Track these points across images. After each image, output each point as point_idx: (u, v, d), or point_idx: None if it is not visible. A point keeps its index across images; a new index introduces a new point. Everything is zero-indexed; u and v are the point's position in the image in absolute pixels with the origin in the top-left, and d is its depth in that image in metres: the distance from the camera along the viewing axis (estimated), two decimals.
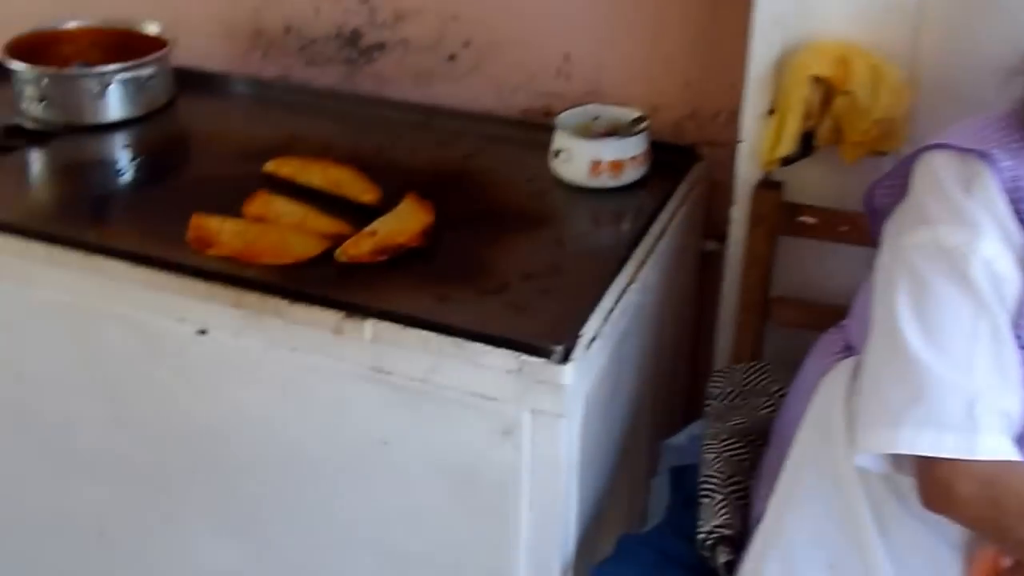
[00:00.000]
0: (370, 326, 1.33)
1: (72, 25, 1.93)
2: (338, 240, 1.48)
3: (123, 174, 1.71)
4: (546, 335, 1.30)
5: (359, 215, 1.54)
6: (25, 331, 1.55)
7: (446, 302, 1.38)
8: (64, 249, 1.47)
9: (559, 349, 1.28)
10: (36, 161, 1.74)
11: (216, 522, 1.56)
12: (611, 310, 1.38)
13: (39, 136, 1.77)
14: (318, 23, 1.92)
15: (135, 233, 1.51)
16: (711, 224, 1.77)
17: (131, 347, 1.48)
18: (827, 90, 1.46)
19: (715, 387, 1.55)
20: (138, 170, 1.71)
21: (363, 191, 1.61)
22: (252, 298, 1.38)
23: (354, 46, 1.92)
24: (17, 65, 1.77)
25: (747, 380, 1.54)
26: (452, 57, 1.87)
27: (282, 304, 1.37)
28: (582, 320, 1.33)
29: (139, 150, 1.76)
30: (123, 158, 1.75)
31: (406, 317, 1.33)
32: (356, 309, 1.35)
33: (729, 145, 1.73)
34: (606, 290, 1.39)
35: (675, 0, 1.70)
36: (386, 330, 1.33)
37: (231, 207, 1.55)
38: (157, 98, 1.84)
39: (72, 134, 1.79)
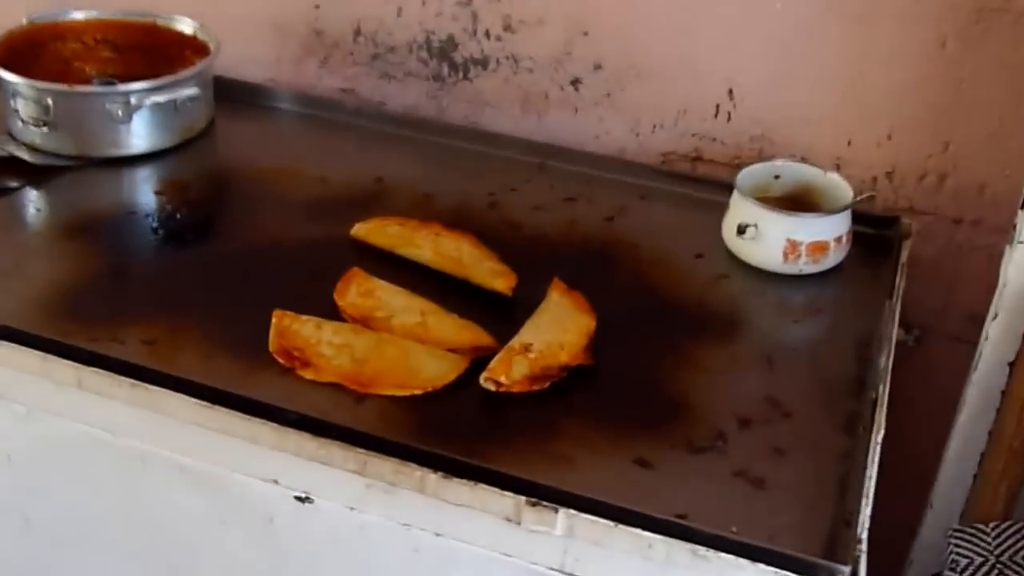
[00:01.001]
0: (563, 518, 0.93)
1: (77, 16, 1.46)
2: (476, 353, 1.08)
3: (159, 234, 1.27)
4: (816, 540, 0.93)
5: (488, 306, 1.17)
6: (42, 468, 1.13)
7: (650, 469, 1.00)
8: (95, 372, 1.04)
9: (846, 571, 0.89)
10: (37, 209, 1.30)
11: None
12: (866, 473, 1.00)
13: (40, 173, 1.32)
14: (400, 27, 1.50)
15: (192, 337, 1.09)
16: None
17: (198, 507, 1.07)
18: None
19: (961, 553, 1.18)
20: (179, 229, 1.28)
21: (493, 274, 1.20)
22: (384, 466, 0.97)
23: (446, 59, 1.50)
24: (10, 76, 1.31)
25: (1002, 547, 1.18)
26: (576, 82, 1.46)
27: (430, 477, 0.96)
28: (852, 508, 0.95)
29: (176, 197, 1.33)
30: (157, 208, 1.31)
31: (616, 509, 0.93)
32: (540, 491, 0.94)
33: (935, 214, 1.37)
34: (863, 450, 1.01)
35: (885, 34, 1.30)
36: (586, 525, 0.93)
37: (315, 290, 1.16)
38: (195, 122, 1.40)
39: (84, 170, 1.35)
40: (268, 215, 1.31)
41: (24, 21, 1.42)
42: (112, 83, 1.34)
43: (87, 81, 1.45)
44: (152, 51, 1.45)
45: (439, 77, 1.51)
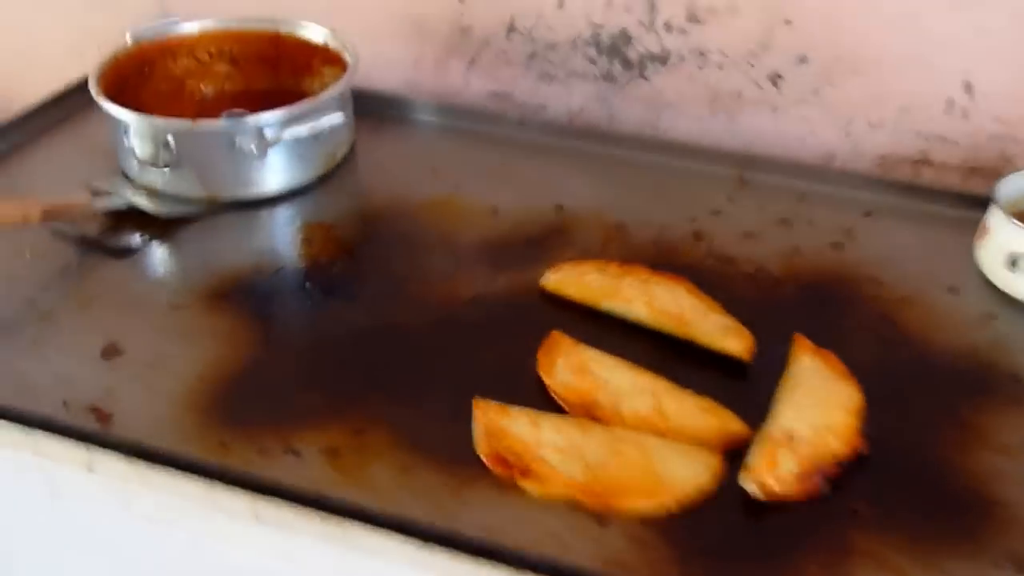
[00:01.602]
0: None
1: (187, 29, 1.25)
2: (724, 444, 0.88)
3: (314, 296, 1.06)
4: None
5: (717, 373, 0.96)
6: None
7: None
8: (272, 502, 0.84)
9: None
10: (169, 272, 1.09)
11: None
12: None
13: (164, 225, 1.12)
14: (562, 21, 1.28)
15: (380, 440, 0.90)
16: None
17: None
18: None
19: None
20: (336, 287, 1.08)
21: (725, 333, 1.00)
22: None
23: (617, 55, 1.27)
24: (120, 113, 1.10)
25: None
26: (776, 78, 1.23)
27: None
28: None
29: (328, 246, 1.13)
30: (306, 262, 1.11)
31: None
32: None
33: None
34: None
35: None
36: None
37: (511, 362, 0.97)
38: (337, 150, 1.20)
39: (215, 217, 1.15)
40: (437, 262, 1.10)
41: (128, 40, 1.21)
42: (241, 115, 1.13)
43: (203, 102, 1.25)
44: (276, 63, 1.25)
45: (609, 76, 1.29)
